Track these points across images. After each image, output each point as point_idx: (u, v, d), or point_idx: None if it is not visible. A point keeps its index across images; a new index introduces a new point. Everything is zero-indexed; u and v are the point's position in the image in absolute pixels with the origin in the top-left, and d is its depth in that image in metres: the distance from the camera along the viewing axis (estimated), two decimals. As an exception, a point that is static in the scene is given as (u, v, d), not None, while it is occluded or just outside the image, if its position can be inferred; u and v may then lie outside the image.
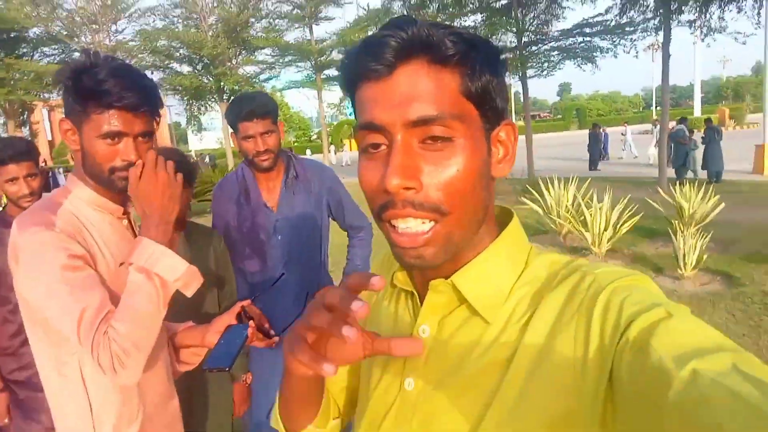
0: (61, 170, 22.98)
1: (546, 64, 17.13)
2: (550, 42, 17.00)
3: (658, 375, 0.44)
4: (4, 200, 3.55)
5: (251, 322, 1.41)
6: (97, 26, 23.28)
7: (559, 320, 0.58)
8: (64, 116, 1.28)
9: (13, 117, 22.99)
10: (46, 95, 23.69)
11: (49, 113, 35.19)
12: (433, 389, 0.64)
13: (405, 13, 19.14)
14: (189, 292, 1.27)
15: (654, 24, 13.64)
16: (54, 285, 1.15)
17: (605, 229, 6.99)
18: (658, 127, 18.42)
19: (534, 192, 8.52)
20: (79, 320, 1.13)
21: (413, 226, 0.59)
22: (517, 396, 0.57)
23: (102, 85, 1.19)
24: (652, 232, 7.80)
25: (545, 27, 17.11)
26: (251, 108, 2.05)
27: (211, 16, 22.50)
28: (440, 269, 0.64)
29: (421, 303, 0.68)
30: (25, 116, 23.91)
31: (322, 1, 21.77)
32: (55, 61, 22.35)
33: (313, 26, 22.63)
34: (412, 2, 17.58)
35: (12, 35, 22.29)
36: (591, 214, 7.09)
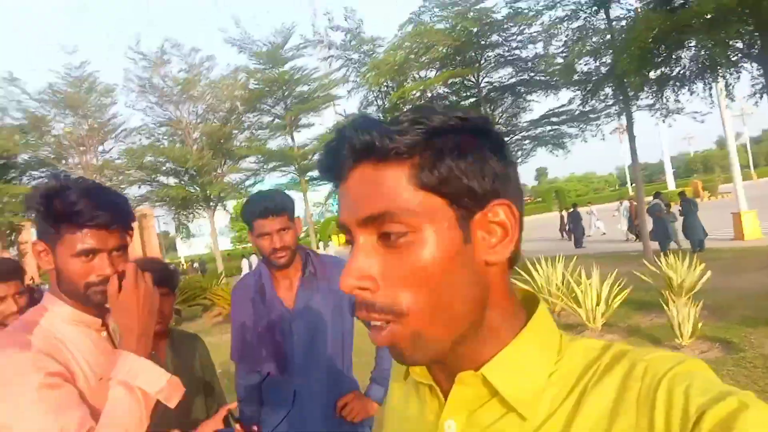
0: (47, 286, 22.63)
1: (519, 152, 17.89)
2: (520, 132, 17.88)
3: None
4: None
5: (237, 426, 1.39)
6: (85, 147, 23.95)
7: (613, 413, 0.53)
8: (36, 239, 1.29)
9: (1, 239, 22.97)
10: (33, 215, 23.84)
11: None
12: None
13: (379, 116, 20.10)
14: (171, 404, 1.25)
15: (615, 110, 14.46)
16: (29, 406, 1.11)
17: (597, 304, 6.99)
18: (624, 203, 19.26)
19: (522, 273, 8.57)
20: None
21: (375, 324, 0.58)
22: None
23: (73, 207, 1.21)
24: (645, 304, 7.79)
25: (514, 119, 18.08)
26: (266, 205, 2.01)
27: (195, 131, 23.33)
28: (465, 360, 0.60)
29: (444, 396, 0.63)
30: (13, 237, 23.90)
31: (300, 110, 22.74)
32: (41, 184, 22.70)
33: (294, 133, 23.51)
34: (386, 106, 18.52)
35: (1, 162, 22.79)
36: (582, 291, 7.12)
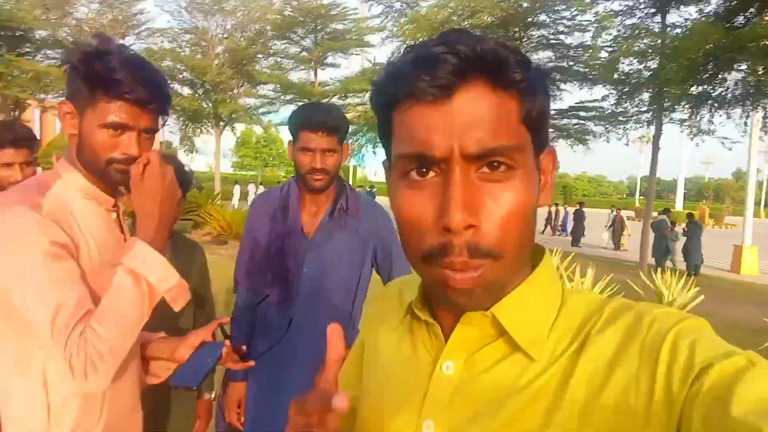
0: (40, 170, 22.65)
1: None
2: (552, 120, 17.53)
3: (744, 429, 0.41)
4: None
5: (227, 342, 1.33)
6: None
7: (615, 361, 0.53)
8: (65, 98, 1.20)
9: (4, 112, 22.71)
10: (41, 96, 23.57)
11: (41, 114, 34.95)
12: None
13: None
14: (176, 306, 1.20)
15: (647, 117, 14.16)
16: (31, 271, 1.05)
17: (585, 305, 6.96)
18: (614, 213, 19.38)
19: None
20: (55, 314, 1.04)
21: (466, 270, 0.54)
22: None
23: (114, 74, 1.13)
24: (630, 315, 7.78)
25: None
26: (320, 119, 1.81)
27: (219, 45, 22.86)
28: (476, 302, 0.58)
29: (445, 336, 0.62)
30: (16, 113, 23.66)
31: (329, 47, 22.28)
32: (56, 65, 22.35)
33: (318, 70, 23.06)
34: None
35: (17, 33, 22.30)
36: (572, 287, 7.06)
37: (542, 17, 15.44)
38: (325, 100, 21.73)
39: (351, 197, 1.97)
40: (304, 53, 22.95)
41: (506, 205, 0.53)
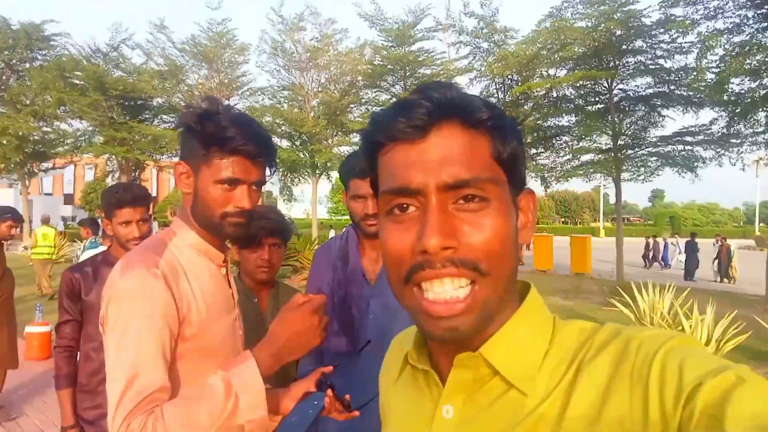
0: (156, 224, 24.65)
1: (642, 169, 16.69)
2: (647, 147, 16.65)
3: None
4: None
5: (329, 392, 1.30)
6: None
7: (608, 389, 0.53)
8: (180, 160, 1.29)
9: (126, 173, 25.20)
10: (158, 156, 25.92)
11: (158, 173, 38.32)
12: None
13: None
14: None
15: (765, 138, 13.06)
16: (133, 335, 1.11)
17: (707, 344, 6.38)
18: (719, 242, 17.84)
19: (625, 295, 8.00)
20: (129, 382, 1.07)
21: (448, 290, 0.56)
22: None
23: (226, 131, 1.21)
24: (761, 355, 7.04)
25: (642, 133, 16.85)
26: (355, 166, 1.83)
27: (314, 99, 24.09)
28: (463, 343, 0.60)
29: (442, 381, 0.64)
30: (137, 173, 26.13)
31: (418, 92, 22.67)
32: (171, 128, 24.58)
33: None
34: (507, 99, 17.98)
35: (138, 103, 24.87)
36: (691, 327, 6.54)
37: (638, 43, 14.91)
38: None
39: None
40: (394, 100, 23.52)
41: (484, 229, 0.56)
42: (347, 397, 1.34)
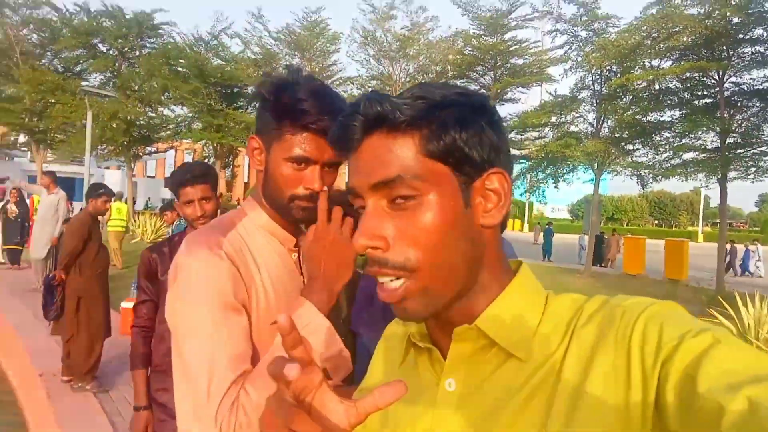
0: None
1: (753, 169, 15.27)
2: (760, 146, 15.20)
3: (710, 405, 0.44)
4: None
5: None
6: (304, 89, 26.16)
7: (594, 354, 0.57)
8: (253, 134, 1.22)
9: (221, 158, 26.49)
10: (251, 143, 27.08)
11: (250, 159, 40.10)
12: None
13: (593, 102, 18.59)
14: (336, 378, 1.13)
15: None
16: (198, 320, 1.06)
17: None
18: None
19: (727, 306, 7.35)
20: (210, 369, 1.02)
21: (386, 282, 0.62)
22: (563, 428, 0.56)
23: (301, 104, 1.11)
24: None
25: (756, 131, 15.40)
26: None
27: (402, 89, 24.08)
28: (461, 316, 0.65)
29: (444, 357, 0.68)
30: (230, 159, 27.39)
31: (509, 83, 22.14)
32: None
33: (497, 106, 22.99)
34: (603, 92, 17.03)
35: (234, 90, 26.00)
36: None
37: (758, 31, 13.60)
38: (503, 136, 21.47)
39: None
40: (483, 91, 23.12)
41: (413, 226, 0.61)
42: None
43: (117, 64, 24.91)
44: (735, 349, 0.47)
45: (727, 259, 20.66)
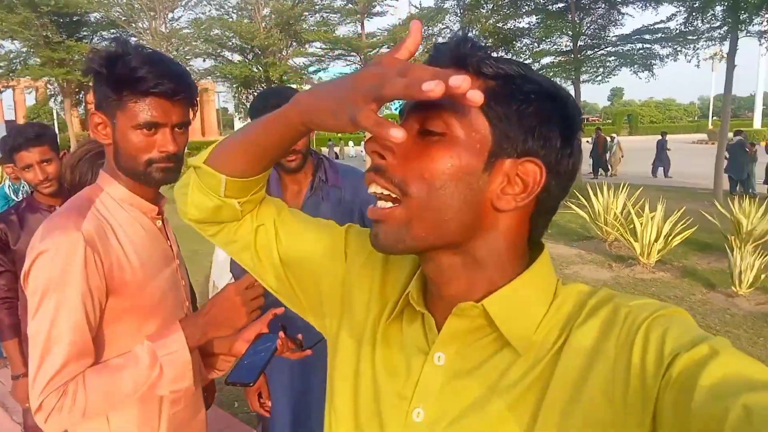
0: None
1: (601, 70, 16.64)
2: (606, 47, 16.51)
3: (707, 414, 0.43)
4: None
5: (281, 333, 1.32)
6: (155, 13, 23.88)
7: (594, 355, 0.56)
8: (93, 110, 1.21)
9: (70, 96, 23.89)
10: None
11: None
12: (449, 424, 0.61)
13: (458, 12, 18.90)
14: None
15: (720, 33, 13.06)
16: (52, 304, 1.09)
17: (656, 240, 6.73)
18: (616, 139, 18.47)
19: (581, 197, 8.27)
20: (44, 352, 1.07)
21: (378, 197, 0.61)
22: (556, 428, 0.55)
23: (137, 72, 1.12)
24: (706, 246, 7.47)
25: (602, 32, 16.64)
26: (278, 102, 1.86)
27: (265, 8, 22.80)
28: (463, 293, 0.63)
29: (438, 328, 0.65)
30: (81, 96, 24.79)
31: (375, -4, 21.73)
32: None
33: (365, 22, 22.61)
34: (465, 3, 17.33)
35: (74, 19, 23.15)
36: (642, 224, 6.84)
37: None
38: (373, 52, 21.36)
39: (329, 170, 2.01)
40: (350, 5, 22.52)
41: (426, 158, 0.59)
42: (299, 336, 1.37)
43: None
44: (733, 360, 0.47)
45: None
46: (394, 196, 0.59)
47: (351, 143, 33.57)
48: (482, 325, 0.62)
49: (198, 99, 1.30)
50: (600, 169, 18.58)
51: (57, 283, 1.09)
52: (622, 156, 18.78)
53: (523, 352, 0.60)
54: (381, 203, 0.61)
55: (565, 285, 0.65)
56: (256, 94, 20.99)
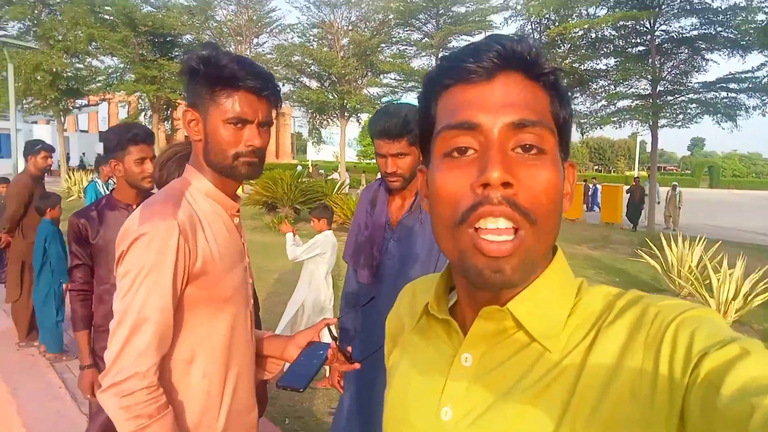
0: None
1: (681, 116, 16.06)
2: (688, 93, 15.96)
3: (732, 412, 0.42)
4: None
5: (333, 343, 1.35)
6: (241, 38, 25.24)
7: (623, 353, 0.55)
8: (186, 107, 1.29)
9: (158, 111, 25.41)
10: (189, 96, 25.92)
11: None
12: (476, 419, 0.61)
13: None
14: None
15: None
16: (141, 281, 1.15)
17: (734, 299, 6.32)
18: (678, 189, 17.08)
19: (653, 246, 7.91)
20: (134, 328, 1.14)
21: (503, 228, 0.55)
22: (584, 425, 0.54)
23: (229, 68, 1.22)
24: (790, 310, 6.93)
25: (684, 77, 16.12)
26: (385, 126, 1.91)
27: (344, 38, 23.58)
28: (491, 298, 0.62)
29: (463, 332, 0.66)
30: (168, 112, 26.31)
31: (451, 31, 22.07)
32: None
33: (440, 54, 22.94)
34: (542, 41, 17.28)
35: (167, 39, 24.74)
36: (719, 280, 6.46)
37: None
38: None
39: None
40: (426, 39, 22.93)
41: (540, 178, 0.57)
42: (349, 348, 1.40)
43: (36, 12, 23.14)
44: (763, 360, 0.46)
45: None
46: (520, 227, 0.56)
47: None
48: (509, 326, 0.62)
49: (280, 104, 1.37)
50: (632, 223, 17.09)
51: (153, 265, 1.15)
52: (680, 206, 17.45)
53: (553, 348, 0.59)
54: (503, 235, 0.55)
55: (590, 286, 0.65)
56: (330, 120, 21.46)
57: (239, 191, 1.39)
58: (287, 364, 1.39)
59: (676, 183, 17.90)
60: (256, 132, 1.27)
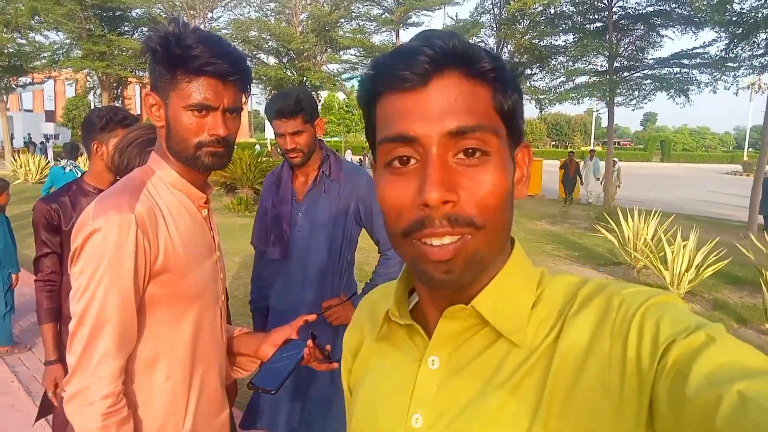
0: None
1: (636, 93, 16.40)
2: (643, 70, 16.28)
3: (700, 400, 0.43)
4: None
5: (309, 341, 1.29)
6: (195, 12, 24.38)
7: (590, 344, 0.55)
8: (148, 90, 1.21)
9: (108, 89, 24.44)
10: (141, 73, 25.02)
11: (141, 90, 37.34)
12: (448, 423, 0.60)
13: (494, 27, 18.85)
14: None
15: (761, 62, 12.77)
16: (99, 280, 1.08)
17: (687, 270, 6.56)
18: (618, 165, 17.22)
19: (611, 221, 8.10)
20: (93, 330, 1.08)
21: (447, 243, 0.55)
22: (557, 419, 0.54)
23: (191, 51, 1.11)
24: (738, 280, 7.27)
25: (640, 54, 16.42)
26: (280, 107, 2.07)
27: (303, 12, 23.08)
28: (456, 295, 0.61)
29: (428, 335, 0.64)
30: (119, 90, 25.33)
31: (412, 6, 21.84)
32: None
33: (400, 31, 22.73)
34: (502, 17, 17.30)
35: (116, 14, 23.71)
36: (673, 252, 6.68)
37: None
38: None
39: (333, 165, 2.24)
40: (387, 15, 22.64)
41: (483, 183, 0.55)
42: (328, 347, 1.34)
43: (-28, -17, 21.75)
44: (730, 347, 0.46)
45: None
46: (464, 233, 0.55)
47: (349, 151, 33.14)
48: (474, 324, 0.61)
49: (250, 88, 1.27)
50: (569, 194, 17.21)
51: (109, 262, 1.08)
52: (619, 185, 17.63)
53: (520, 342, 0.59)
54: (446, 240, 0.55)
55: (552, 276, 0.64)
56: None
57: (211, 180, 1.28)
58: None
59: (616, 159, 17.87)
60: (220, 120, 1.17)
